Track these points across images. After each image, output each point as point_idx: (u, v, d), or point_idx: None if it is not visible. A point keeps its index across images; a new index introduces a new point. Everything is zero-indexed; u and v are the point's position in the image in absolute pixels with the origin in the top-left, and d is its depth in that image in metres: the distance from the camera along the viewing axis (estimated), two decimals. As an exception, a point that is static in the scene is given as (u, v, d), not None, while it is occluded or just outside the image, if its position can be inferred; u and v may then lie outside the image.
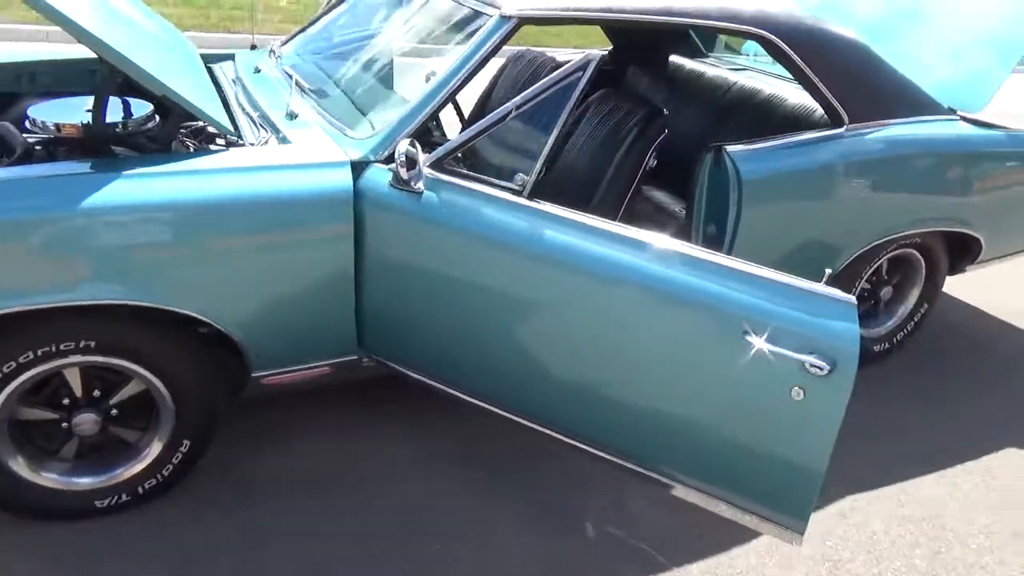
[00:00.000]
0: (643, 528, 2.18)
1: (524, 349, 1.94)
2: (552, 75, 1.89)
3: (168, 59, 2.10)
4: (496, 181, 1.94)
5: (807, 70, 2.56)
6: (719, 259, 1.72)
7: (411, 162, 1.90)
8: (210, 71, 2.67)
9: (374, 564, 1.99)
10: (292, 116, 2.23)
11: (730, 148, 2.50)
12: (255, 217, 1.88)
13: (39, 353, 1.80)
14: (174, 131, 2.03)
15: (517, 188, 1.90)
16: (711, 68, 3.54)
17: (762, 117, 3.02)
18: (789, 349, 1.57)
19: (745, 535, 2.10)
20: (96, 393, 1.97)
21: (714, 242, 2.61)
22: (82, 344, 1.82)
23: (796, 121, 2.92)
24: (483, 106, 3.54)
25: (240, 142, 2.07)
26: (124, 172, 1.79)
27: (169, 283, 1.83)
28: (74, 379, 1.92)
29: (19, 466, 1.93)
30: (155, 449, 2.04)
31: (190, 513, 2.08)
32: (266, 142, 2.06)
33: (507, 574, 2.00)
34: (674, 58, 3.71)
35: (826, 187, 2.66)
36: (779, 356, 1.57)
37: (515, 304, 1.93)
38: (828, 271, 1.67)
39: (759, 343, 1.58)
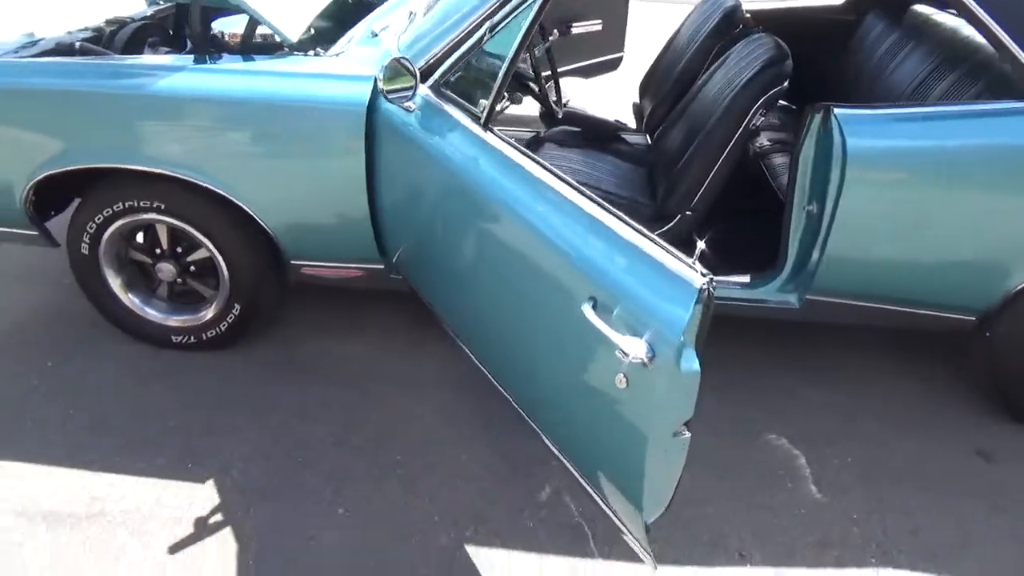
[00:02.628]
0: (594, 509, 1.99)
1: (456, 273, 1.92)
2: None
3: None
4: (468, 106, 1.89)
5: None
6: (591, 208, 1.48)
7: (396, 78, 1.92)
8: None
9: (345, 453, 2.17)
10: (373, 35, 2.39)
11: (840, 110, 2.03)
12: (279, 117, 2.10)
13: (126, 205, 2.27)
14: (249, 36, 2.33)
15: (478, 114, 1.83)
16: (952, 19, 2.79)
17: (979, 75, 2.33)
18: (614, 328, 1.30)
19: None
20: (179, 250, 2.42)
21: (813, 225, 2.16)
22: (154, 204, 2.26)
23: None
24: (665, 51, 3.32)
25: (297, 52, 2.29)
26: (191, 68, 2.14)
27: (207, 164, 2.15)
28: (163, 235, 2.39)
29: (131, 302, 2.48)
30: (216, 306, 2.45)
31: (237, 359, 2.49)
32: (317, 53, 2.25)
33: (447, 494, 2.02)
34: (918, 8, 3.00)
35: (984, 178, 2.01)
36: (603, 334, 1.31)
37: (456, 228, 1.89)
38: (701, 246, 1.33)
39: (591, 315, 1.34)
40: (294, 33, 2.25)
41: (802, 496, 2.11)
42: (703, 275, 1.26)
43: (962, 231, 2.08)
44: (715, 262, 2.40)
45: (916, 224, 2.07)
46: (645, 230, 1.40)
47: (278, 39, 2.30)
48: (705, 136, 2.33)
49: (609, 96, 3.71)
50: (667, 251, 1.33)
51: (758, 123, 2.26)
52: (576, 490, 2.06)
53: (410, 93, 1.94)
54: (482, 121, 1.82)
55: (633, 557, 1.74)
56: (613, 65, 4.30)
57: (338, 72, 2.14)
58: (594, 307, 1.35)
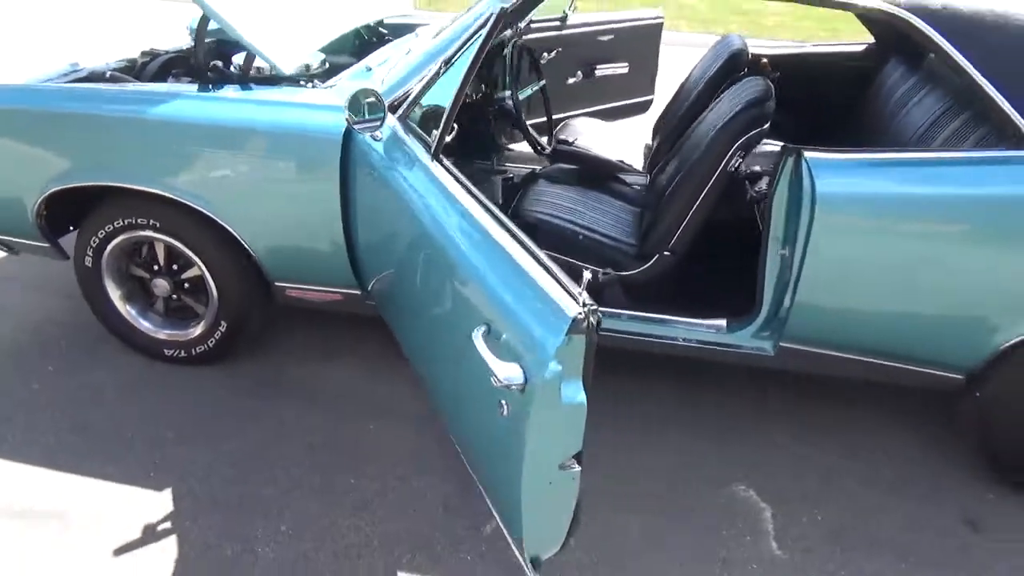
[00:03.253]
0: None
1: (403, 300, 1.98)
2: (465, 27, 1.80)
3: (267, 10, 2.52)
4: (425, 137, 1.94)
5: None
6: (501, 236, 1.50)
7: (370, 109, 1.99)
8: None
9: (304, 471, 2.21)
10: (368, 69, 2.49)
11: (811, 153, 1.99)
12: (260, 143, 2.21)
13: (125, 222, 2.41)
14: (247, 67, 2.46)
15: (430, 144, 1.88)
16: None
17: (980, 122, 2.24)
18: (497, 354, 1.30)
19: None
20: (174, 267, 2.54)
21: (786, 270, 2.11)
22: (149, 222, 2.39)
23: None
24: (677, 93, 3.32)
25: (297, 82, 2.40)
26: (185, 95, 2.28)
27: (194, 185, 2.27)
28: (160, 252, 2.52)
29: (128, 313, 2.61)
30: (204, 323, 2.55)
31: (223, 375, 2.59)
32: (311, 85, 2.36)
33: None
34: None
35: (961, 228, 1.92)
36: (484, 360, 1.30)
37: (403, 256, 1.93)
38: (587, 276, 1.31)
39: (478, 341, 1.34)
40: (288, 65, 2.36)
41: (759, 551, 2.01)
42: (585, 305, 1.25)
43: (941, 282, 1.99)
44: (696, 304, 2.36)
45: (889, 273, 1.99)
46: (544, 257, 1.40)
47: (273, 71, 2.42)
48: (683, 177, 2.31)
49: (628, 137, 3.72)
50: (555, 279, 1.33)
51: (736, 164, 2.23)
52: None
53: (378, 123, 2.01)
54: (431, 151, 1.87)
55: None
56: (642, 108, 4.31)
57: (319, 102, 2.23)
58: (487, 333, 1.35)
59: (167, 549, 1.93)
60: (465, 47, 1.99)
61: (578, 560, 1.94)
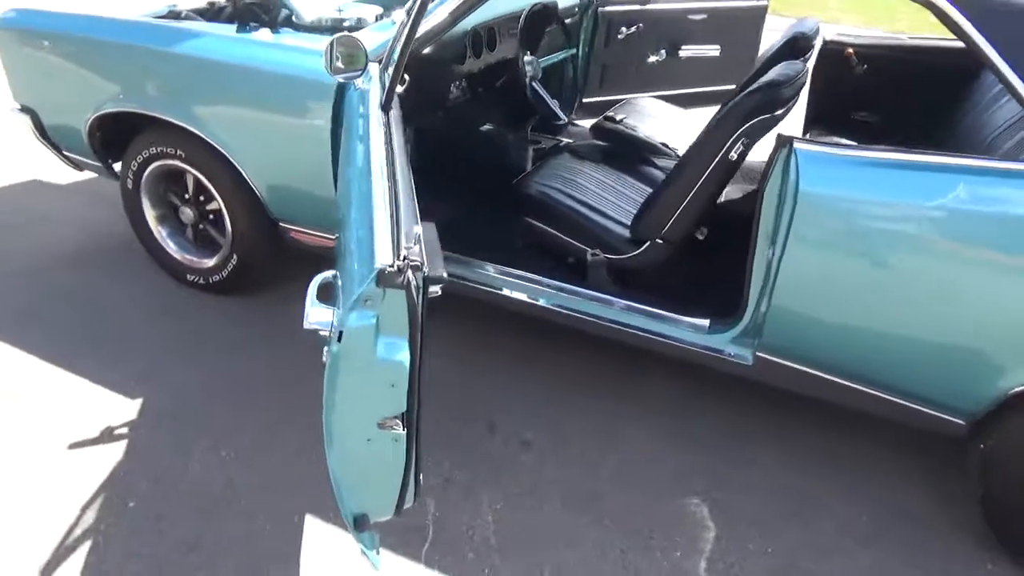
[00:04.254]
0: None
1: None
2: None
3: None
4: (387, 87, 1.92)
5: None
6: (378, 190, 1.44)
7: (348, 59, 1.99)
8: None
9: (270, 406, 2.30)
10: (393, 23, 2.50)
11: (802, 145, 1.78)
12: (264, 83, 2.28)
13: (158, 150, 2.59)
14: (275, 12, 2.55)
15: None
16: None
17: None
18: (322, 301, 1.28)
19: None
20: (200, 198, 2.70)
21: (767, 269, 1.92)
22: (176, 152, 2.55)
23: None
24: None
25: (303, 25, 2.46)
26: (217, 35, 2.40)
27: (209, 120, 2.39)
28: (190, 183, 2.69)
29: (159, 233, 2.81)
30: (220, 255, 2.70)
31: (235, 306, 2.74)
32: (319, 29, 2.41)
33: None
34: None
35: (969, 247, 1.65)
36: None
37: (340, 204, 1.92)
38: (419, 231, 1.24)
39: (311, 287, 1.32)
40: (309, 14, 2.42)
41: (682, 569, 1.85)
42: (405, 259, 1.19)
43: (937, 307, 1.72)
44: (687, 300, 2.20)
45: (875, 288, 1.75)
46: (406, 213, 1.35)
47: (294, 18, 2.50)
48: (680, 162, 2.14)
49: (694, 125, 3.49)
50: (394, 232, 1.27)
51: (739, 152, 2.03)
52: (434, 492, 2.01)
53: (358, 73, 2.01)
54: (382, 102, 1.84)
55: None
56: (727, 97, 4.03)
57: (317, 48, 2.26)
58: (333, 279, 1.32)
59: (113, 452, 2.07)
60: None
61: (479, 543, 1.88)
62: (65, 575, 1.73)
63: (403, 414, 1.29)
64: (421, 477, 1.44)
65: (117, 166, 2.81)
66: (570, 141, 2.91)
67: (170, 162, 2.60)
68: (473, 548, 1.87)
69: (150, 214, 2.78)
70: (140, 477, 2.00)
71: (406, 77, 2.04)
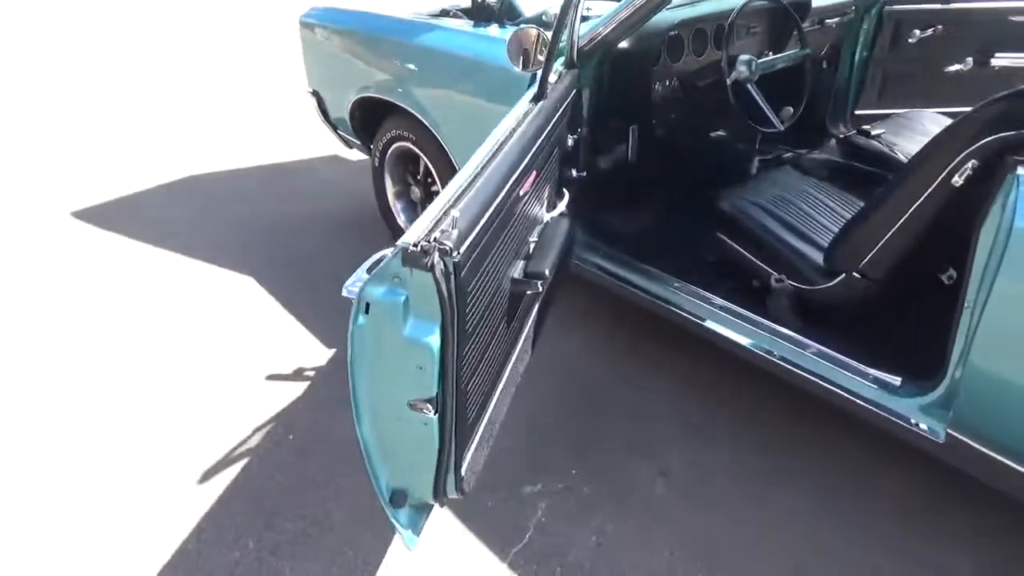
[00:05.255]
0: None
1: None
2: None
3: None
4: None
5: None
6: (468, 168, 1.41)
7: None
8: None
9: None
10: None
11: (1027, 168, 1.39)
12: (467, 71, 2.40)
13: (395, 133, 2.87)
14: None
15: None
16: None
17: None
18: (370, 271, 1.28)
19: None
20: (429, 180, 2.94)
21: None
22: (408, 136, 2.80)
23: None
24: None
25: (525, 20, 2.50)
26: (448, 29, 2.58)
27: (430, 107, 2.58)
28: (422, 165, 2.94)
29: (395, 208, 3.12)
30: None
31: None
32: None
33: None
34: None
35: None
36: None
37: None
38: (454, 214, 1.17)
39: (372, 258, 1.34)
40: (528, 8, 2.48)
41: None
42: (433, 241, 1.16)
43: None
44: (879, 348, 1.85)
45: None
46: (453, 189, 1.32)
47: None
48: (891, 183, 1.78)
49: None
50: (435, 214, 1.24)
51: (964, 176, 1.63)
52: (551, 497, 1.94)
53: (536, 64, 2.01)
54: (534, 96, 1.81)
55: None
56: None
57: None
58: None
59: (293, 390, 2.35)
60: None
61: (571, 563, 1.78)
62: (215, 485, 2.00)
63: (435, 398, 1.27)
64: (466, 471, 1.40)
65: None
66: (801, 153, 2.57)
67: (405, 144, 2.85)
68: (564, 565, 1.78)
69: (390, 190, 3.09)
70: (304, 416, 2.24)
71: (560, 70, 1.97)
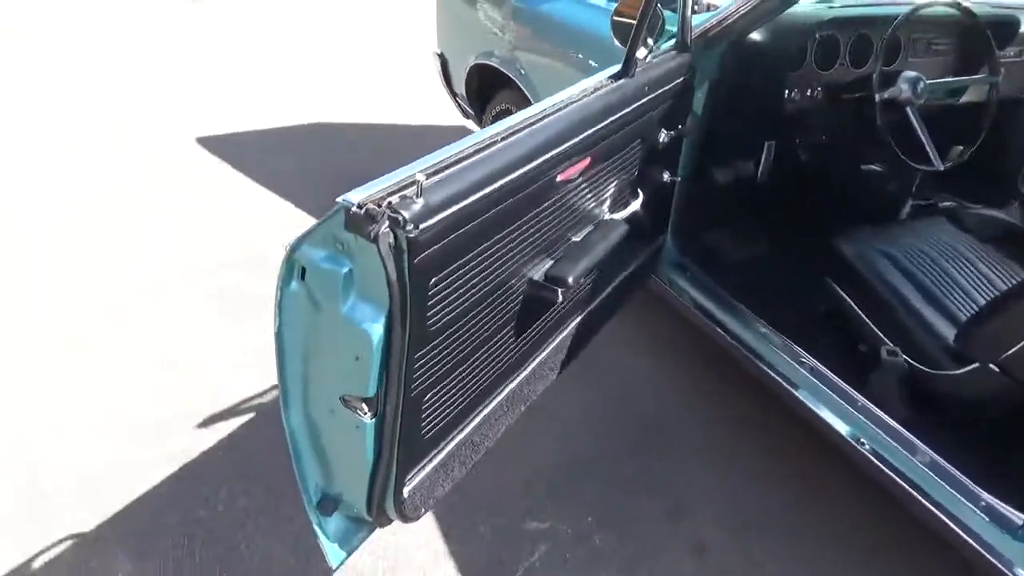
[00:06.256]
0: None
1: None
2: None
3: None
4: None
5: None
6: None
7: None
8: None
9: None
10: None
11: None
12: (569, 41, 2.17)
13: (504, 107, 2.65)
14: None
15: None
16: None
17: None
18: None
19: None
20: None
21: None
22: (512, 110, 2.57)
23: None
24: None
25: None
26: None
27: (532, 76, 2.34)
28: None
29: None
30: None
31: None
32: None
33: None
34: None
35: None
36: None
37: None
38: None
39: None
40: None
41: None
42: (383, 205, 0.91)
43: None
44: (1004, 468, 1.42)
45: None
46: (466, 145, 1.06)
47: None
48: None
49: None
50: (402, 175, 0.99)
51: None
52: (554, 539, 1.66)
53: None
54: (616, 73, 1.51)
55: None
56: None
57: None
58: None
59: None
60: None
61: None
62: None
63: (373, 400, 1.03)
64: (408, 491, 1.15)
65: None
66: (967, 206, 2.08)
67: (515, 116, 2.63)
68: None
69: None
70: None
71: (665, 52, 1.64)
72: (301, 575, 1.54)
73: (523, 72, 2.39)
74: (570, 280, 1.29)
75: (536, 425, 1.91)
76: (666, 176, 1.80)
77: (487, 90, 2.83)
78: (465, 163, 1.05)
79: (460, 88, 2.98)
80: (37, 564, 1.54)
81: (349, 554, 1.21)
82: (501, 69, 2.54)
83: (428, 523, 1.68)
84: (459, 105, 3.17)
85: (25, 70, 4.56)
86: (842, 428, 1.58)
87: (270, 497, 1.70)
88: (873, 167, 2.37)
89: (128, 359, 2.12)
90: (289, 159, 3.53)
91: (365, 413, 1.04)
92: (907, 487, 1.46)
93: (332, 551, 1.19)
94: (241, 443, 1.85)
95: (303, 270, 0.99)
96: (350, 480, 1.14)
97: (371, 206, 0.90)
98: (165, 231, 2.81)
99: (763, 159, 2.15)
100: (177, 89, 4.43)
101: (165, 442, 1.83)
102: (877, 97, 1.82)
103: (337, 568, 1.21)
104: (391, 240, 0.92)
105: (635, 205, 1.64)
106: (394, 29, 6.03)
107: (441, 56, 3.12)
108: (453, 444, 1.25)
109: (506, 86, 2.63)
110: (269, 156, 3.55)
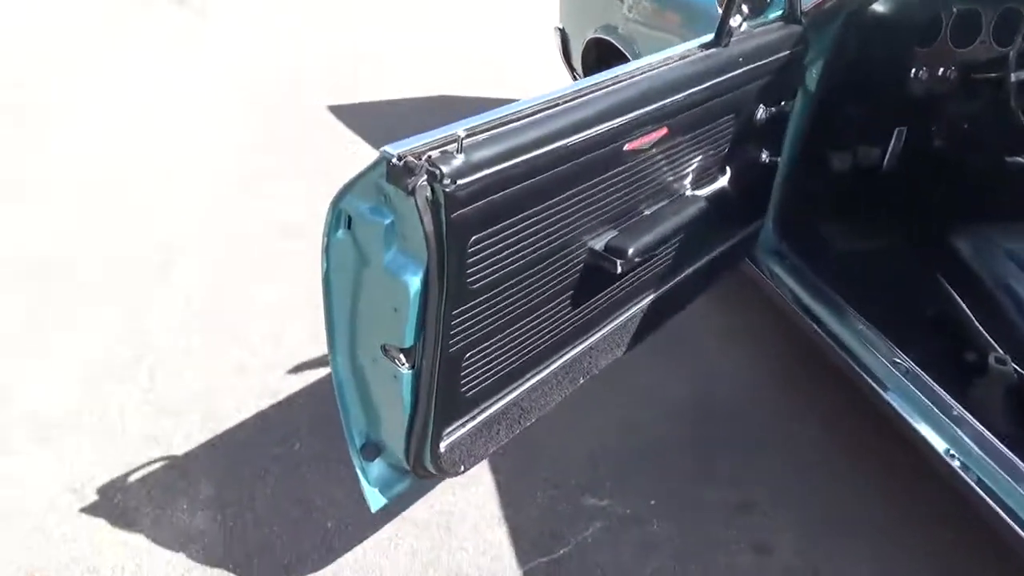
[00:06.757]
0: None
1: None
2: None
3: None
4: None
5: None
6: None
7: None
8: None
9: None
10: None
11: None
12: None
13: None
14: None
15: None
16: None
17: None
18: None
19: None
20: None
21: None
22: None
23: None
24: None
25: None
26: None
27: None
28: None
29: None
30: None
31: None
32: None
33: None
34: None
35: None
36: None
37: None
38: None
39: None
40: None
41: None
42: (422, 158, 0.93)
43: None
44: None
45: None
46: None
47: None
48: None
49: None
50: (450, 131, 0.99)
51: None
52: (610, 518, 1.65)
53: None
54: (708, 42, 1.44)
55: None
56: None
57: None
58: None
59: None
60: None
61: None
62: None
63: (411, 351, 1.06)
64: (446, 446, 1.18)
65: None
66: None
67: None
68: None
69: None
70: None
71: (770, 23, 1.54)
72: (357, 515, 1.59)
73: (636, 50, 2.33)
74: (630, 252, 1.26)
75: (607, 398, 1.89)
76: (765, 156, 1.71)
77: (603, 65, 2.78)
78: (516, 124, 1.05)
79: (578, 64, 2.95)
80: (133, 478, 1.70)
81: (390, 500, 1.26)
82: (616, 44, 2.50)
83: (487, 485, 1.71)
84: (575, 80, 3.14)
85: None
86: (932, 437, 1.45)
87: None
88: (1019, 159, 2.13)
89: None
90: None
91: (403, 364, 1.07)
92: (999, 510, 1.32)
93: (372, 495, 1.24)
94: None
95: (349, 219, 1.03)
96: (391, 428, 1.18)
97: (410, 159, 0.92)
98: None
99: (891, 145, 1.99)
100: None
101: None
102: (1013, 77, 1.63)
103: (375, 511, 1.25)
104: (428, 194, 0.93)
105: (722, 182, 1.57)
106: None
107: (562, 31, 3.10)
108: (498, 406, 1.26)
109: (622, 60, 2.58)
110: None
